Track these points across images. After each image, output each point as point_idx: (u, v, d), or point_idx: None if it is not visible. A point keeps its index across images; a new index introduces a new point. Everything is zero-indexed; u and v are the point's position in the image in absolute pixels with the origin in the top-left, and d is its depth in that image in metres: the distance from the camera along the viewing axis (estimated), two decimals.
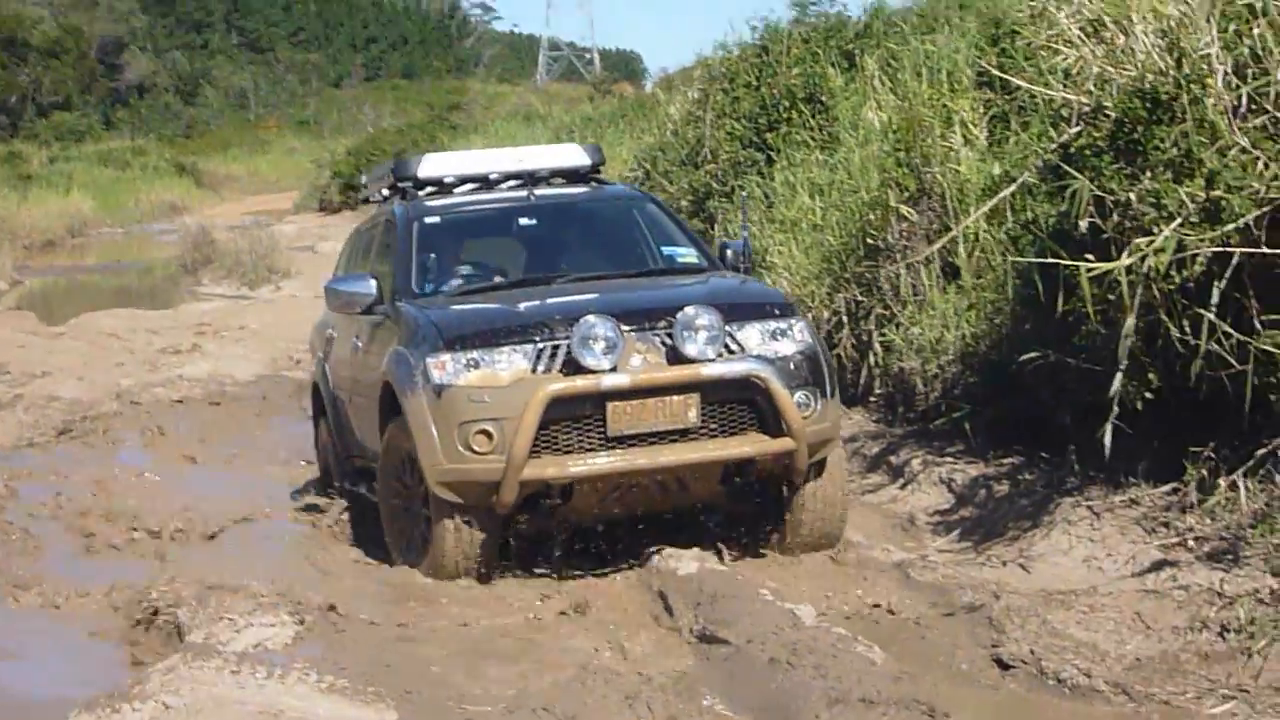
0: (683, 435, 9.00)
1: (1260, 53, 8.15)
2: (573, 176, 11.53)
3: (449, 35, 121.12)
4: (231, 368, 19.49)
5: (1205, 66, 8.34)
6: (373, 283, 10.43)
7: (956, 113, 12.53)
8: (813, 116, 16.63)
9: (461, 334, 9.14)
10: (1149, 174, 8.39)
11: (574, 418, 8.89)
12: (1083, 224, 8.57)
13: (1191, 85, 8.36)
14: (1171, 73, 8.51)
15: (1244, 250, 7.94)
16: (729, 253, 10.78)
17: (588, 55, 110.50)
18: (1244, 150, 8.02)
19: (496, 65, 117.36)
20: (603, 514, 9.35)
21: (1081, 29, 9.13)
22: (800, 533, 9.52)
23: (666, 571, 8.97)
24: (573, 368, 8.89)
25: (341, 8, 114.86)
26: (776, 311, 9.44)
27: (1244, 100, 8.18)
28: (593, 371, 8.85)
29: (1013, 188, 10.17)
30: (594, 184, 11.56)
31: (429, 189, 11.30)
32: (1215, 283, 8.08)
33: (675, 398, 8.94)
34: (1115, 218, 8.48)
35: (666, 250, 10.84)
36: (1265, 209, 7.85)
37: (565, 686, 7.30)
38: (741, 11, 40.76)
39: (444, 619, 8.61)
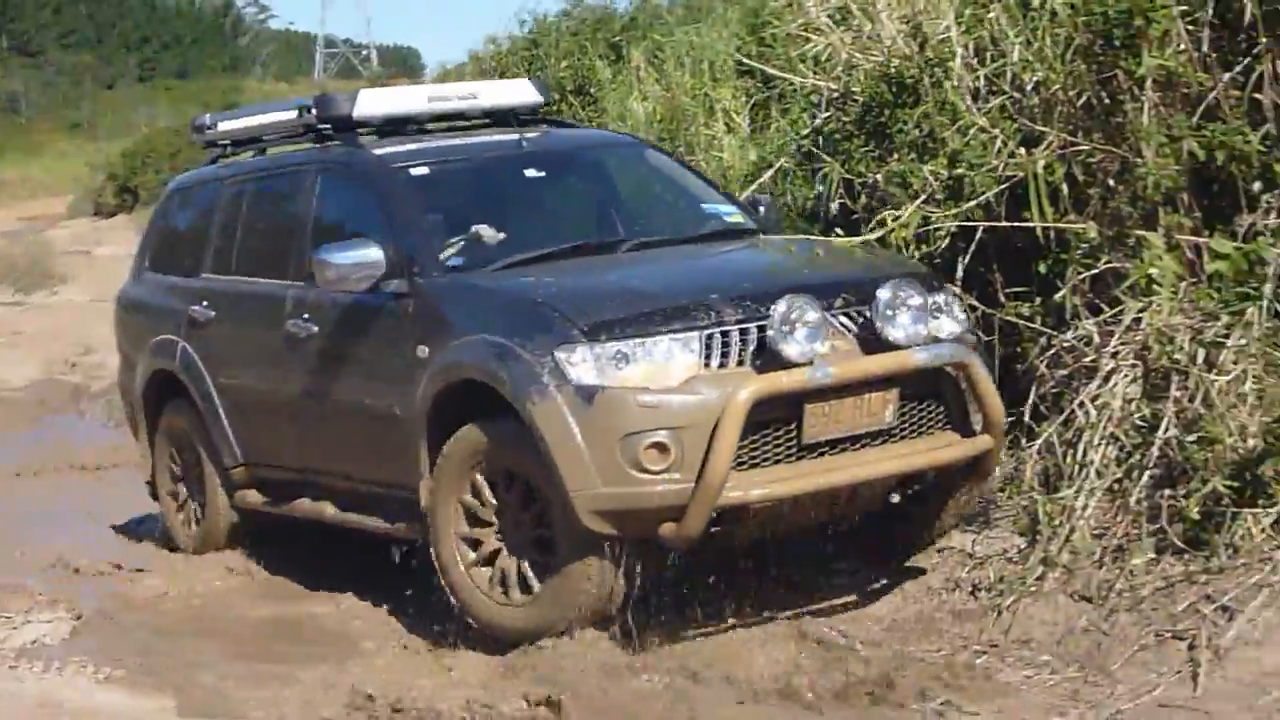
0: (873, 439, 7.29)
1: (996, 36, 8.48)
2: (502, 118, 9.38)
3: (223, 34, 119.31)
4: (5, 373, 19.25)
5: (946, 50, 8.68)
6: (379, 251, 7.91)
7: (719, 101, 12.79)
8: (583, 108, 16.82)
9: (602, 318, 7.07)
10: (896, 155, 8.72)
11: (765, 423, 7.02)
12: (833, 205, 8.89)
13: (934, 69, 8.71)
14: (915, 57, 8.86)
15: (986, 224, 8.28)
16: (760, 210, 8.93)
17: (365, 51, 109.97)
18: (983, 130, 8.35)
19: (273, 63, 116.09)
20: (755, 539, 7.64)
21: (830, 16, 9.45)
22: (937, 530, 8.03)
23: None
24: (764, 358, 7.02)
25: (113, 9, 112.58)
26: (935, 283, 7.72)
27: (983, 82, 8.52)
28: (794, 364, 6.99)
29: (770, 173, 10.46)
30: (548, 126, 9.55)
31: (356, 132, 9.10)
32: (960, 258, 8.42)
33: (875, 394, 7.18)
34: (865, 198, 8.80)
35: (708, 208, 8.91)
36: (1004, 185, 8.19)
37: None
38: (516, 6, 40.56)
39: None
